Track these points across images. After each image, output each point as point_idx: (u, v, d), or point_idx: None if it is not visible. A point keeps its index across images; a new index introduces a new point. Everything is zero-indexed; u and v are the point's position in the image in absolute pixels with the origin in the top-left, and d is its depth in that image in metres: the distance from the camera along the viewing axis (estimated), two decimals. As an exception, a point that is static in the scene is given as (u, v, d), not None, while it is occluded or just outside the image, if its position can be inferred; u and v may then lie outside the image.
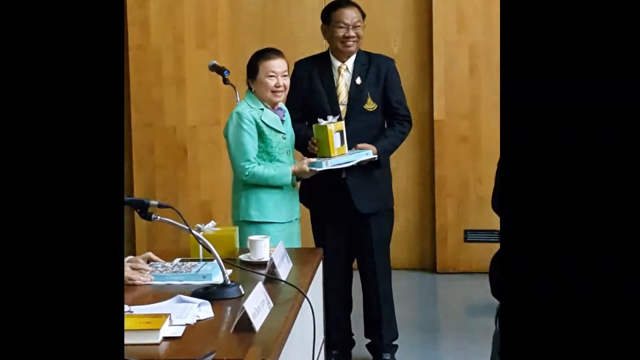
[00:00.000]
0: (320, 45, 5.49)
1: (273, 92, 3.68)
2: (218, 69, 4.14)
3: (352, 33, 3.97)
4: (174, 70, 5.79)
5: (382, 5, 5.75)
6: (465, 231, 5.75)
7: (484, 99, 5.69)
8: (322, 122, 3.79)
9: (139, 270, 2.83)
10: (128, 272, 2.78)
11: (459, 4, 5.67)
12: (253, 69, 3.71)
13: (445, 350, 4.60)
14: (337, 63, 4.06)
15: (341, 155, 3.78)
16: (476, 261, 5.68)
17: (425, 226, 5.83)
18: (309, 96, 4.06)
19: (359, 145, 3.91)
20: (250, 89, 3.75)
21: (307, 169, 3.72)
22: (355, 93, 4.02)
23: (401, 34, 5.80)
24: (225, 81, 4.08)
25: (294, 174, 3.73)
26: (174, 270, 2.88)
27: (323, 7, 4.22)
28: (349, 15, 3.99)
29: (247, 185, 3.70)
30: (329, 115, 3.89)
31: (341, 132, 3.80)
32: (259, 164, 3.66)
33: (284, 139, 3.74)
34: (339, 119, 3.86)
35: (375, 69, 4.04)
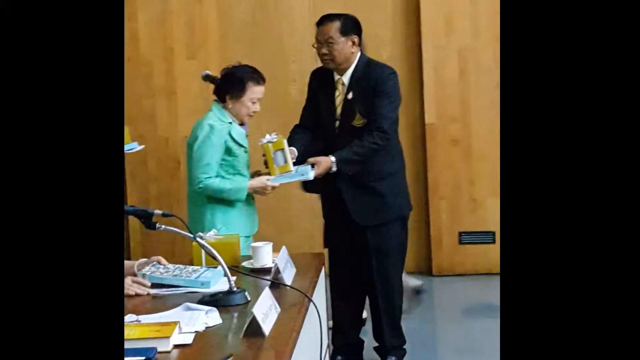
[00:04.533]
0: (310, 54, 5.52)
1: (249, 115, 3.74)
2: (212, 79, 4.17)
3: (323, 50, 3.95)
4: (164, 81, 5.81)
5: (370, 12, 5.78)
6: (460, 233, 5.78)
7: (474, 101, 5.74)
8: (262, 140, 3.80)
9: (139, 283, 2.83)
10: (127, 283, 2.79)
11: (446, 8, 5.72)
12: (240, 88, 3.72)
13: (443, 352, 4.63)
14: (336, 76, 4.04)
15: (283, 173, 3.75)
16: (471, 263, 5.72)
17: (419, 229, 5.85)
18: (313, 109, 4.09)
19: (310, 160, 3.87)
20: (221, 101, 3.76)
21: (268, 184, 3.75)
22: (346, 109, 3.99)
23: (390, 40, 5.84)
24: (218, 91, 4.10)
25: (252, 189, 3.75)
26: (175, 273, 2.90)
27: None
28: (320, 31, 3.98)
29: (211, 199, 3.72)
30: (331, 129, 3.94)
31: (282, 150, 3.76)
32: (215, 177, 3.68)
33: (245, 152, 3.81)
34: (279, 136, 3.82)
35: (367, 81, 3.97)
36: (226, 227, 3.62)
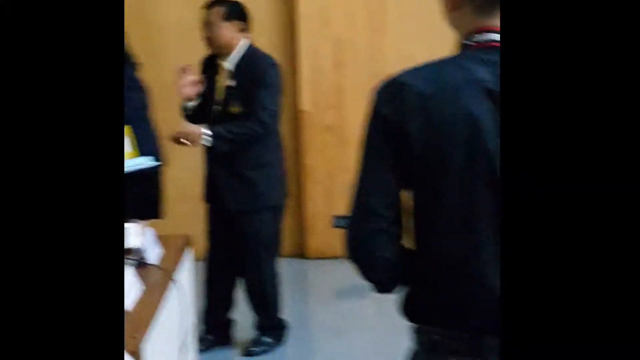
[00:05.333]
0: (185, 42, 5.54)
1: None
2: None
3: (205, 33, 4.08)
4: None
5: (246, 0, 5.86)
6: (334, 217, 5.92)
7: (349, 90, 5.89)
8: None
9: None
10: None
11: (322, -2, 5.85)
12: None
13: (316, 332, 4.76)
14: (221, 62, 4.13)
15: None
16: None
17: (295, 214, 5.97)
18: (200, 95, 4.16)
19: (179, 130, 3.95)
20: None
21: None
22: (226, 95, 4.07)
23: (267, 28, 5.91)
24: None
25: None
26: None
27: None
28: (205, 15, 4.11)
29: None
30: (210, 114, 4.02)
31: None
32: None
33: None
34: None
35: (250, 70, 4.04)
36: None
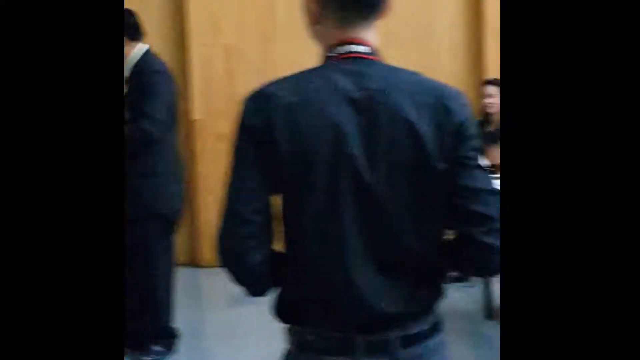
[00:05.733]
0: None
1: None
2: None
3: None
4: None
5: (135, 7, 5.83)
6: (226, 225, 5.95)
7: (240, 99, 5.92)
8: None
9: None
10: None
11: (212, 8, 5.87)
12: None
13: (208, 339, 4.79)
14: None
15: None
16: (238, 254, 5.91)
17: (188, 223, 5.97)
18: None
19: None
20: None
21: None
22: None
23: (156, 36, 5.90)
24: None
25: None
26: None
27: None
28: None
29: None
30: None
31: None
32: None
33: None
34: None
35: (138, 78, 3.99)
36: None
